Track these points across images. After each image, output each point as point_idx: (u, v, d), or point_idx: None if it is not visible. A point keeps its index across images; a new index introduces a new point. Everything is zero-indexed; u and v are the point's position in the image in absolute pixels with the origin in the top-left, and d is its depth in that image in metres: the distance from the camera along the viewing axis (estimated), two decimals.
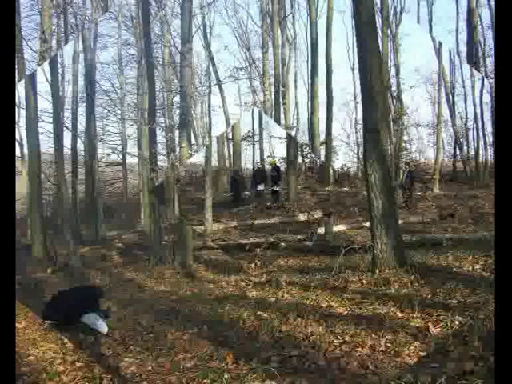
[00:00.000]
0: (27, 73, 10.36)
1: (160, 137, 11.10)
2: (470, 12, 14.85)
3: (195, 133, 20.08)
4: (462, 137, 20.49)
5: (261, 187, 11.72)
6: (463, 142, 20.46)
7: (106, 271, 7.82)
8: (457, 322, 3.12)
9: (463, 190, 15.57)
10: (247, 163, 23.53)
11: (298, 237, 8.14)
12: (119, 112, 17.47)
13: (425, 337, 2.99)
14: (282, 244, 7.56)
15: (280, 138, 13.63)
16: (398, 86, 14.38)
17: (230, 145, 20.95)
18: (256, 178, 12.17)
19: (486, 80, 18.43)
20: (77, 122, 15.24)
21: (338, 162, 23.97)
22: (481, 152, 19.71)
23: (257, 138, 17.26)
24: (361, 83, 4.99)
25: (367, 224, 7.11)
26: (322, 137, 12.97)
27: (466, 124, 20.54)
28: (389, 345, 2.91)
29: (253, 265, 5.91)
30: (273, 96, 14.68)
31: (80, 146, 15.42)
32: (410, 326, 3.18)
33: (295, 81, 21.82)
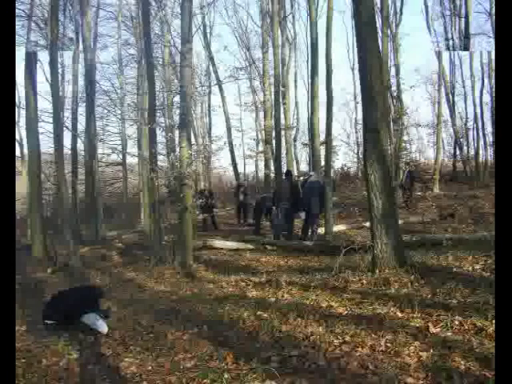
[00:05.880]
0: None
1: (160, 137, 11.13)
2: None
3: (195, 133, 20.19)
4: (462, 137, 20.54)
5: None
6: (463, 142, 20.52)
7: (106, 271, 7.82)
8: (457, 322, 3.12)
9: (463, 189, 15.61)
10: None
11: None
12: (119, 112, 17.56)
13: (425, 337, 2.99)
14: None
15: None
16: (398, 86, 14.40)
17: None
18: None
19: (485, 80, 18.48)
20: (77, 122, 15.31)
21: (337, 162, 24.07)
22: (481, 152, 19.81)
23: None
24: (361, 83, 4.99)
25: (367, 224, 7.13)
26: (322, 137, 12.99)
27: (466, 124, 20.63)
28: (389, 345, 2.91)
29: None
30: (273, 96, 14.68)
31: (80, 146, 15.49)
32: (410, 326, 3.19)
33: (295, 81, 22.02)
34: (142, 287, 6.22)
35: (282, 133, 14.58)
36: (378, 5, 12.10)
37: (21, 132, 16.82)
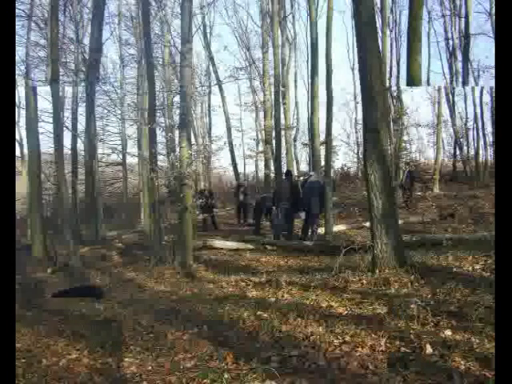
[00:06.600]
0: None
1: (160, 137, 11.13)
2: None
3: (195, 133, 20.18)
4: (462, 137, 20.52)
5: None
6: (463, 142, 20.51)
7: (106, 271, 7.82)
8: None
9: (463, 189, 15.61)
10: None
11: None
12: (119, 112, 17.54)
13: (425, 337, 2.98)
14: None
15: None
16: (398, 86, 14.40)
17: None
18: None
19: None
20: (77, 122, 15.31)
21: (337, 162, 24.05)
22: (481, 152, 19.79)
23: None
24: (361, 83, 4.99)
25: (367, 224, 7.13)
26: (322, 137, 12.99)
27: (466, 124, 20.61)
28: (389, 345, 2.91)
29: None
30: (273, 96, 14.70)
31: (80, 146, 15.47)
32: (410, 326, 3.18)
33: (295, 81, 22.03)
34: (142, 287, 6.22)
35: (282, 133, 14.58)
36: (378, 5, 12.12)
37: (21, 132, 16.80)
